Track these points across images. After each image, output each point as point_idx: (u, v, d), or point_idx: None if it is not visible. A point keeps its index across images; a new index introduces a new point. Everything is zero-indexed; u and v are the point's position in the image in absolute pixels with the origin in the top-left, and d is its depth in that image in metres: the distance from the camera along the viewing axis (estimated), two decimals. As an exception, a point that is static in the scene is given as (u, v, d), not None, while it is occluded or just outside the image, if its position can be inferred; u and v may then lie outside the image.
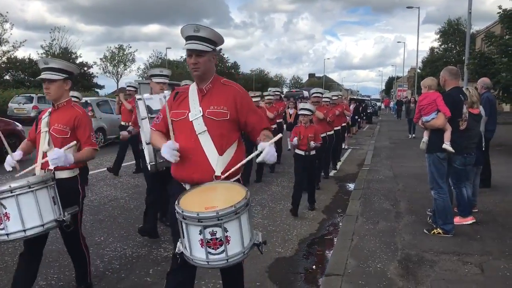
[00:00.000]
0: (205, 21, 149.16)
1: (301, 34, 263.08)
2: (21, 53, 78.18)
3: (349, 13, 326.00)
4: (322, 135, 7.87)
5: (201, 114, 2.90)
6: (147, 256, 4.96)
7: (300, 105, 7.23)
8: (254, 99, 8.88)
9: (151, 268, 4.59)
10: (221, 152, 2.87)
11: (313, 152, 6.92)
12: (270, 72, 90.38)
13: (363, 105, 26.23)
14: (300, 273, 4.65)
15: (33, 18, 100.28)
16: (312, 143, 6.76)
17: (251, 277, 4.42)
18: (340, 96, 12.14)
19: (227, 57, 77.11)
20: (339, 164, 11.84)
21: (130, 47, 77.78)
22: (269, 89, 11.51)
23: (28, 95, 26.12)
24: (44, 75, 3.62)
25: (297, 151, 6.88)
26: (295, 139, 6.73)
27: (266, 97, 10.32)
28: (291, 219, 6.51)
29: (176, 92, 3.13)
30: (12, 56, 45.46)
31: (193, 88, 3.05)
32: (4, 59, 44.55)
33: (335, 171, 10.96)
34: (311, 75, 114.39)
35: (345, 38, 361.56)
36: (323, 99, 9.38)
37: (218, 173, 2.84)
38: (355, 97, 28.88)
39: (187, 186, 2.89)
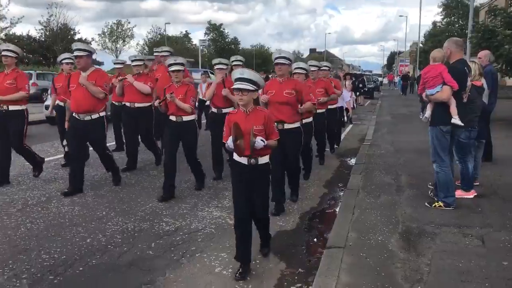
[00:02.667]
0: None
1: (303, 9, 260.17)
2: (19, 30, 77.43)
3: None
4: (293, 126, 5.55)
5: None
6: (149, 230, 4.97)
7: (237, 72, 3.89)
8: (136, 63, 7.52)
9: (153, 242, 4.60)
10: None
11: (264, 159, 3.90)
12: (271, 48, 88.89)
13: (360, 80, 24.98)
14: (301, 246, 4.67)
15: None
16: (259, 140, 3.71)
17: (252, 249, 4.43)
18: (326, 68, 8.78)
19: (227, 32, 76.31)
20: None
21: (129, 22, 77.24)
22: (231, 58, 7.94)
23: (27, 72, 25.96)
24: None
25: (236, 156, 3.91)
26: (230, 140, 3.73)
27: (216, 67, 7.17)
28: (292, 193, 6.49)
29: None
30: (11, 33, 45.05)
31: None
32: (2, 35, 44.14)
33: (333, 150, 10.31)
34: (312, 50, 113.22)
35: (346, 12, 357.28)
36: (295, 70, 6.31)
37: None
38: (352, 72, 27.96)
39: None
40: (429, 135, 5.48)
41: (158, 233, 4.87)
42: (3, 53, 6.67)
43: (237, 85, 3.77)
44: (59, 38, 49.13)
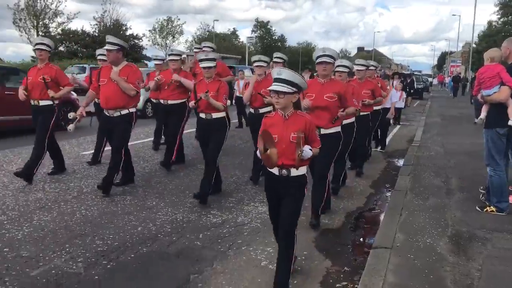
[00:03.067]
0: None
1: (352, 7, 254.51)
2: (74, 25, 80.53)
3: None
4: (330, 131, 5.02)
5: None
6: (197, 221, 5.10)
7: (274, 72, 3.42)
8: (172, 57, 7.38)
9: (201, 233, 4.71)
10: None
11: (299, 171, 3.41)
12: (318, 46, 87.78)
13: (409, 81, 23.97)
14: (347, 245, 4.66)
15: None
16: (307, 150, 3.32)
17: (298, 246, 4.46)
18: (373, 68, 8.35)
19: (274, 30, 76.36)
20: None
21: (179, 19, 78.49)
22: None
23: (81, 65, 27.05)
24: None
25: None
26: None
27: (255, 64, 6.63)
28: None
29: None
30: (66, 28, 46.91)
31: None
32: (59, 30, 46.04)
33: (382, 150, 10.32)
34: (360, 49, 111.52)
35: (397, 11, 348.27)
36: (337, 68, 5.79)
37: None
38: (400, 72, 26.96)
39: None
40: (484, 138, 5.32)
41: (205, 225, 4.99)
42: (38, 47, 6.57)
43: (273, 86, 3.34)
44: (112, 34, 50.62)
